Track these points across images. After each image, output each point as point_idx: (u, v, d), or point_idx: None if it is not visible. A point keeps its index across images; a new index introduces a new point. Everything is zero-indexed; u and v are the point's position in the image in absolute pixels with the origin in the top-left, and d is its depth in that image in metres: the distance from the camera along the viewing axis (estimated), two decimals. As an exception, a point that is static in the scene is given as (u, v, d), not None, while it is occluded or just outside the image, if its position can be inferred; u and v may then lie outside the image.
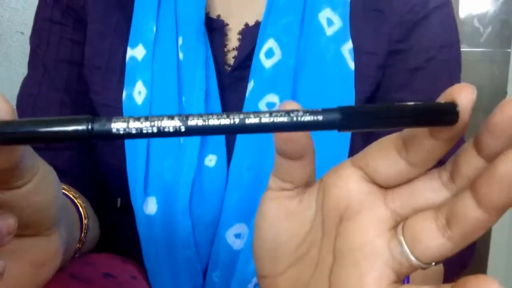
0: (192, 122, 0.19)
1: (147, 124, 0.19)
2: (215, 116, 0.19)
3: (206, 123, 0.19)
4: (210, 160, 0.49)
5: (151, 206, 0.49)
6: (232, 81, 0.51)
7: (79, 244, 0.42)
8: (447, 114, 0.20)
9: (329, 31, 0.49)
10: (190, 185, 0.47)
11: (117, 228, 0.60)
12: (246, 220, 0.47)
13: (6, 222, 0.25)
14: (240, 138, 0.48)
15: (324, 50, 0.49)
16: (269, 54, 0.49)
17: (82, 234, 0.42)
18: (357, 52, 0.49)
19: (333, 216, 0.25)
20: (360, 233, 0.24)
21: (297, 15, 0.49)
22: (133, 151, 0.49)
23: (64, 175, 0.53)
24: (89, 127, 0.18)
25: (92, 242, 0.48)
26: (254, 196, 0.47)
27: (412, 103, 0.20)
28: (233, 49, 0.51)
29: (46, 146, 0.51)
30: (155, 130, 0.19)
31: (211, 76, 0.49)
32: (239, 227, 0.48)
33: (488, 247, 1.02)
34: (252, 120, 0.19)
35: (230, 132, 0.19)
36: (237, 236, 0.48)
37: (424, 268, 0.23)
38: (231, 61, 0.51)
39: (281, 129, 0.19)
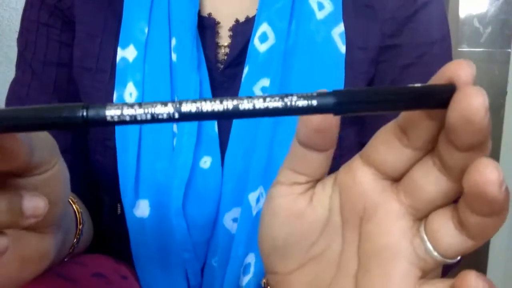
0: (186, 108, 0.19)
1: (141, 111, 0.19)
2: (208, 102, 0.18)
3: (200, 110, 0.19)
4: (205, 162, 0.49)
5: (143, 209, 0.49)
6: (224, 79, 0.51)
7: (71, 249, 0.42)
8: (445, 96, 0.19)
9: (320, 15, 0.50)
10: (184, 187, 0.47)
11: (109, 230, 0.60)
12: (240, 203, 0.48)
13: (34, 204, 0.25)
14: (235, 131, 0.49)
15: (315, 33, 0.49)
16: (263, 39, 0.49)
17: (75, 240, 0.42)
18: (348, 45, 0.50)
19: (353, 219, 0.25)
20: (382, 234, 0.24)
21: None
22: (124, 152, 0.49)
23: None
24: (84, 113, 0.18)
25: (84, 246, 0.48)
26: (246, 178, 0.47)
27: (408, 85, 0.20)
28: (225, 46, 0.52)
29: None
30: (149, 117, 0.19)
31: (204, 77, 0.49)
32: (236, 211, 0.48)
33: (488, 247, 1.02)
34: (246, 105, 0.19)
35: (223, 118, 0.19)
36: (234, 220, 0.48)
37: (450, 263, 0.23)
38: (223, 58, 0.51)
39: (275, 114, 0.19)
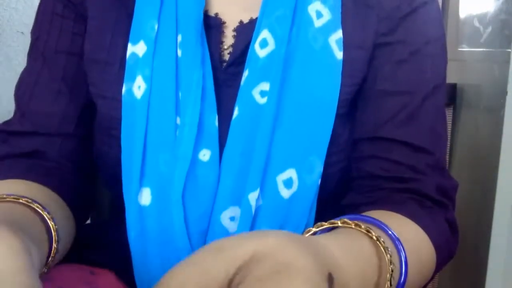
0: None
1: None
2: None
3: None
4: (204, 155, 0.50)
5: (145, 198, 0.50)
6: (227, 77, 0.53)
7: (45, 268, 0.42)
8: None
9: (318, 23, 0.52)
10: (184, 178, 0.49)
11: (103, 229, 0.61)
12: (238, 202, 0.49)
13: None
14: (233, 129, 0.50)
15: (312, 40, 0.51)
16: (263, 44, 0.51)
17: (50, 259, 0.42)
18: (348, 46, 0.52)
19: None
20: None
21: (289, 7, 0.51)
22: (130, 142, 0.51)
23: (56, 164, 0.54)
24: None
25: (60, 258, 0.48)
26: (245, 178, 0.49)
27: None
28: (230, 46, 0.53)
29: (35, 131, 0.53)
30: None
31: (208, 73, 0.51)
32: (233, 210, 0.49)
33: (488, 247, 1.02)
34: None
35: None
36: (232, 219, 0.49)
37: None
38: (227, 57, 0.53)
39: None
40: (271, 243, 0.29)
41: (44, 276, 0.43)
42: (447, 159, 1.17)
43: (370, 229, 0.39)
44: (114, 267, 0.55)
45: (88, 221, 0.89)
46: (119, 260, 0.54)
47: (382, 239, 0.39)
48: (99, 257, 0.56)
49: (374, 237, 0.39)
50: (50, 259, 0.42)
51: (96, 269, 0.52)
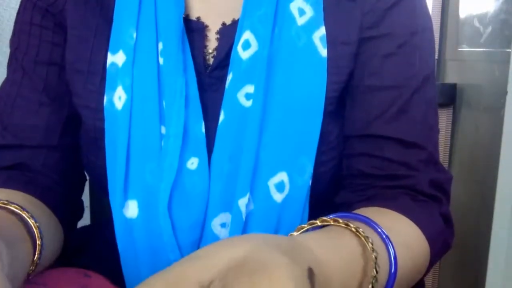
0: None
1: None
2: None
3: None
4: (192, 163, 0.49)
5: (132, 210, 0.49)
6: (212, 81, 0.52)
7: (32, 266, 0.41)
8: None
9: (301, 21, 0.51)
10: (170, 188, 0.48)
11: (93, 234, 0.60)
12: (228, 208, 0.48)
13: None
14: (220, 135, 0.49)
15: (296, 38, 0.51)
16: (245, 46, 0.50)
17: (36, 256, 0.42)
18: (332, 43, 0.51)
19: None
20: None
21: (271, 6, 0.50)
22: (114, 154, 0.50)
23: (40, 175, 0.53)
24: None
25: (51, 258, 0.48)
26: (234, 183, 0.48)
27: None
28: (214, 49, 0.52)
29: (18, 144, 0.52)
30: None
31: (191, 79, 0.50)
32: (224, 216, 0.48)
33: (488, 247, 1.02)
34: None
35: None
36: (223, 225, 0.49)
37: None
38: (211, 61, 0.52)
39: None
40: (246, 248, 0.29)
41: (36, 280, 0.43)
42: (447, 159, 1.17)
43: (359, 227, 0.40)
44: (106, 273, 0.54)
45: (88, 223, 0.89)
46: (111, 266, 0.54)
47: (370, 239, 0.39)
48: (91, 262, 0.56)
49: (362, 238, 0.39)
50: (36, 256, 0.42)
51: (90, 272, 0.51)
